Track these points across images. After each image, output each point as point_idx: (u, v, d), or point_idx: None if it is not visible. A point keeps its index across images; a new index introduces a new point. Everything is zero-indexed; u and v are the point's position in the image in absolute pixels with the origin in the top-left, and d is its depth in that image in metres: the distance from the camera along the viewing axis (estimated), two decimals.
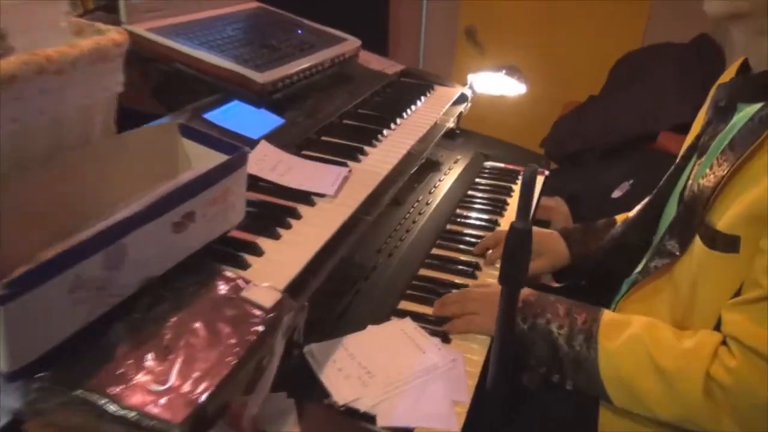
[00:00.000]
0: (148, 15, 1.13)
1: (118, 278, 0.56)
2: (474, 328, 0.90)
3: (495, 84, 1.52)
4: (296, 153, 1.01)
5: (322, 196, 0.90)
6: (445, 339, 0.89)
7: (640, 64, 2.51)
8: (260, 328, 0.64)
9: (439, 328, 0.91)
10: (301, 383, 0.77)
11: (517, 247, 0.67)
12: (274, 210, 0.85)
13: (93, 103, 0.71)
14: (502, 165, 1.51)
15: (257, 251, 0.75)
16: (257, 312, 0.66)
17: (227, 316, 0.64)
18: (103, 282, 0.55)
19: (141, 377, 0.55)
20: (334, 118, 1.18)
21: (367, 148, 1.09)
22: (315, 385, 0.77)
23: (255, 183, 0.91)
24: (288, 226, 0.82)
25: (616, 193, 1.99)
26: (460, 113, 1.48)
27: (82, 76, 0.67)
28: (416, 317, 0.93)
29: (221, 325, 0.63)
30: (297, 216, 0.85)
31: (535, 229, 1.20)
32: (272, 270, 0.73)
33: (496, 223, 1.24)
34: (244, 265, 0.72)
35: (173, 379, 0.56)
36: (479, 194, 1.36)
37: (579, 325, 0.83)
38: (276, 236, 0.79)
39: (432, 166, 1.41)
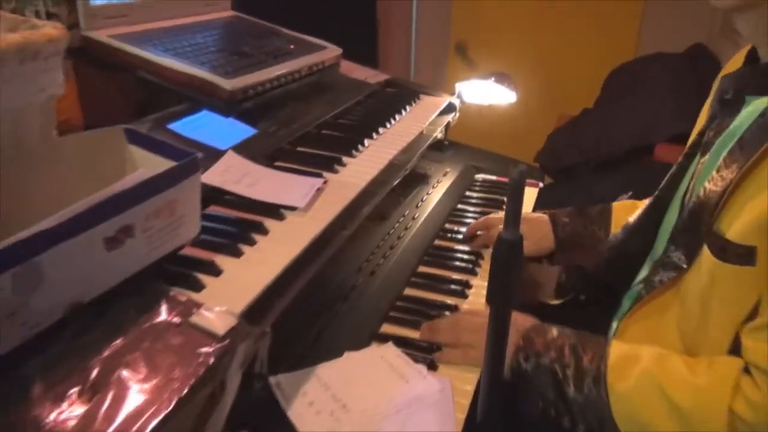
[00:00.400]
0: (111, 21, 1.06)
1: (33, 304, 0.48)
2: (469, 362, 0.81)
3: (484, 92, 1.45)
4: (268, 164, 0.93)
5: (292, 209, 0.82)
6: (432, 365, 0.80)
7: (634, 75, 2.46)
8: (210, 359, 0.55)
9: (427, 355, 0.82)
10: (266, 419, 0.68)
11: (506, 261, 0.59)
12: (236, 225, 0.76)
13: (26, 106, 0.63)
14: (494, 177, 1.43)
15: (214, 270, 0.66)
16: (207, 340, 0.57)
17: (171, 345, 0.55)
18: (12, 309, 0.46)
19: (57, 423, 0.46)
20: (311, 128, 1.10)
21: (345, 159, 1.01)
22: (281, 421, 0.68)
23: (218, 196, 0.83)
24: (252, 243, 0.73)
25: None
26: (448, 123, 1.41)
27: (9, 74, 0.59)
28: (400, 342, 0.84)
29: (163, 357, 0.54)
30: (263, 231, 0.76)
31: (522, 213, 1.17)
32: (230, 291, 0.64)
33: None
34: (197, 287, 0.63)
35: (98, 424, 0.47)
36: (470, 208, 1.28)
37: (586, 365, 0.74)
38: (237, 253, 0.71)
39: (419, 179, 1.33)
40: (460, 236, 1.16)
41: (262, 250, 0.73)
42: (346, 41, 1.36)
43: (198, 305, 0.60)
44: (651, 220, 0.91)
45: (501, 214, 1.15)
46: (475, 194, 1.35)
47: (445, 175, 1.39)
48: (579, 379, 0.73)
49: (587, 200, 2.01)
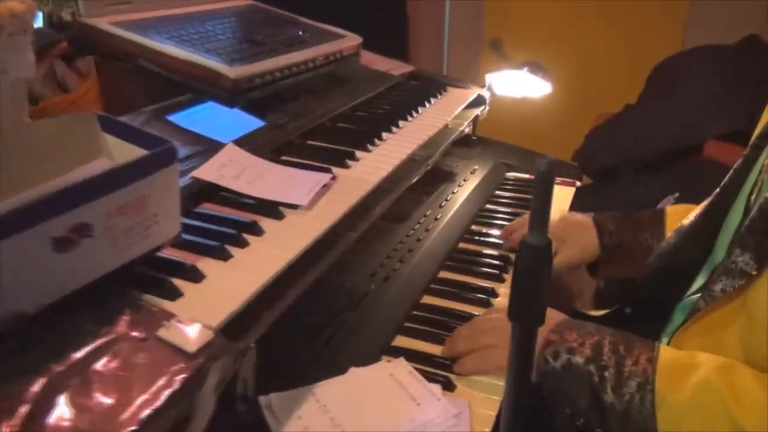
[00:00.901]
0: (114, 8, 1.00)
1: None
2: (490, 365, 0.71)
3: (516, 84, 1.34)
4: (273, 159, 0.85)
5: (293, 207, 0.73)
6: (448, 386, 0.71)
7: (681, 69, 2.30)
8: (175, 382, 0.47)
9: (445, 372, 0.73)
10: None
11: (531, 270, 0.49)
12: (228, 224, 0.68)
13: None
14: (527, 176, 1.32)
15: (195, 276, 0.58)
16: (176, 359, 0.49)
17: (132, 365, 0.47)
18: None
19: None
20: (324, 120, 1.02)
21: (359, 153, 0.92)
22: None
23: (213, 192, 0.75)
24: (243, 244, 0.65)
25: None
26: (477, 117, 1.31)
27: None
28: (414, 356, 0.74)
29: (120, 379, 0.46)
30: (257, 231, 0.68)
31: (563, 214, 1.06)
32: (210, 301, 0.56)
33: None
34: (172, 295, 0.55)
35: None
36: (501, 208, 1.17)
37: (629, 367, 0.63)
38: (225, 257, 0.63)
39: (444, 177, 1.23)
40: (488, 239, 1.05)
41: (253, 253, 0.64)
42: (374, 40, 1.27)
43: (169, 316, 0.52)
44: (710, 222, 0.79)
45: None
46: (506, 194, 1.24)
47: (472, 172, 1.28)
48: (619, 384, 0.63)
49: (629, 202, 1.88)
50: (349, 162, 0.89)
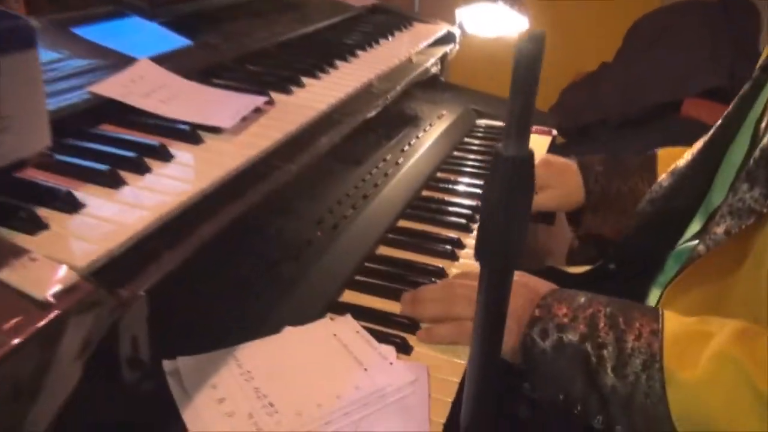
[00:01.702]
0: None
1: None
2: (465, 339, 0.59)
3: (490, 21, 1.21)
4: (200, 82, 0.71)
5: (216, 131, 0.60)
6: (403, 348, 0.59)
7: (661, 26, 2.20)
8: (12, 339, 0.33)
9: (401, 332, 0.61)
10: (150, 423, 0.46)
11: (509, 190, 0.37)
12: (128, 147, 0.54)
13: None
14: (501, 123, 1.20)
15: (68, 205, 0.44)
16: (20, 307, 0.35)
17: None
18: None
19: None
20: (266, 45, 0.87)
21: (306, 80, 0.78)
22: (175, 424, 0.46)
23: (116, 113, 0.60)
24: (143, 170, 0.51)
25: None
26: (445, 56, 1.17)
27: None
28: (364, 314, 0.62)
29: None
30: (164, 156, 0.54)
31: (544, 157, 0.92)
32: (85, 236, 0.42)
33: None
34: (31, 226, 0.41)
35: None
36: (470, 155, 1.05)
37: (631, 343, 0.52)
38: (115, 183, 0.49)
39: (408, 121, 1.10)
40: (455, 186, 0.93)
41: (154, 182, 0.50)
42: None
43: (20, 253, 0.38)
44: (710, 159, 0.68)
45: None
46: (475, 141, 1.12)
47: (440, 117, 1.15)
48: (621, 363, 0.52)
49: None
50: (294, 88, 0.75)
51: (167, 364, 0.49)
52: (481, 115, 1.23)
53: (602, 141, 1.96)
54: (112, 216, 0.45)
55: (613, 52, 2.30)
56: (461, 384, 0.56)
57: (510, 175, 0.36)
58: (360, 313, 0.62)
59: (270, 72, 0.79)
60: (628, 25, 2.31)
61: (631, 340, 0.52)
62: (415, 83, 1.05)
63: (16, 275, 0.37)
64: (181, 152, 0.55)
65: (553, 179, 0.87)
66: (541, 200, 0.86)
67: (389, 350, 0.57)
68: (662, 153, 0.87)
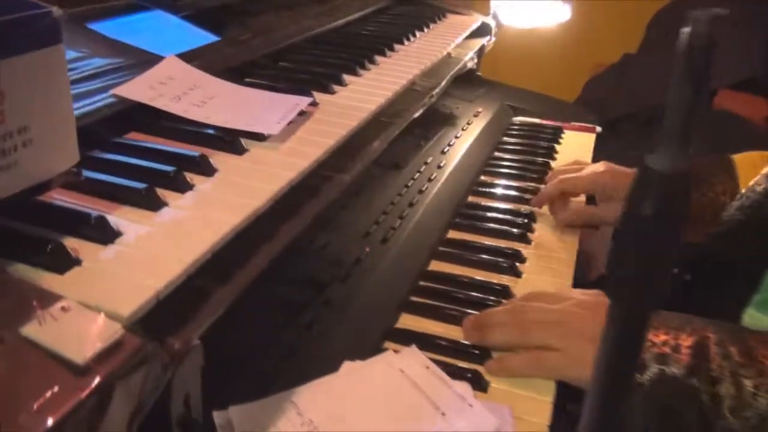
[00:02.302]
0: None
1: None
2: (544, 373, 0.52)
3: (528, 12, 1.13)
4: (235, 81, 0.63)
5: (260, 139, 0.52)
6: (478, 384, 0.51)
7: (688, 13, 2.12)
8: (52, 416, 0.26)
9: (473, 364, 0.53)
10: None
11: (659, 214, 0.29)
12: (164, 159, 0.46)
13: None
14: (537, 120, 1.13)
15: (102, 234, 0.37)
16: (56, 374, 0.28)
17: None
18: None
19: None
20: (297, 39, 0.79)
21: (347, 77, 0.70)
22: None
23: (145, 118, 0.53)
24: (184, 188, 0.44)
25: None
26: (482, 48, 1.10)
27: None
28: (426, 342, 0.55)
29: None
30: (206, 170, 0.46)
31: (607, 164, 0.80)
32: (126, 273, 0.35)
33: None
34: (61, 264, 0.34)
35: None
36: (510, 156, 0.98)
37: (754, 379, 0.45)
38: (155, 205, 0.41)
39: (444, 120, 1.02)
40: (501, 191, 0.86)
41: (200, 201, 0.43)
42: None
43: (51, 300, 0.31)
44: None
45: (571, 167, 0.85)
46: (512, 140, 1.04)
47: (476, 115, 1.08)
48: (741, 405, 0.44)
49: (640, 158, 1.71)
50: (335, 87, 0.67)
51: (218, 416, 0.42)
52: (517, 112, 1.16)
53: (631, 136, 1.88)
54: (154, 246, 0.37)
55: (635, 43, 2.22)
56: (550, 428, 0.48)
57: (663, 196, 0.29)
58: (421, 341, 0.55)
59: (306, 69, 0.71)
60: (650, 14, 2.23)
61: (754, 374, 0.45)
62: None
63: (46, 332, 0.29)
64: (224, 164, 0.48)
65: (619, 191, 0.78)
66: (606, 213, 0.78)
67: (465, 388, 0.49)
68: (738, 158, 0.79)
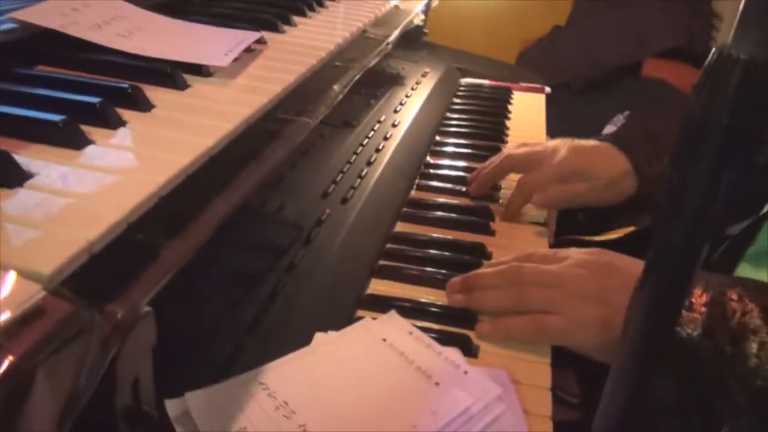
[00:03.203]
0: None
1: None
2: (547, 337, 0.47)
3: None
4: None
5: (203, 74, 0.43)
6: (467, 348, 0.46)
7: None
8: None
9: (454, 328, 0.48)
10: None
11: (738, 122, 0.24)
12: (89, 90, 0.37)
13: None
14: (486, 81, 1.08)
15: (7, 174, 0.28)
16: None
17: None
18: None
19: None
20: None
21: (295, 18, 0.62)
22: None
23: (55, 51, 0.43)
24: (114, 124, 0.35)
25: (609, 128, 1.62)
26: (428, 4, 1.04)
27: None
28: (403, 308, 0.48)
29: None
30: (140, 105, 0.37)
31: (570, 141, 0.69)
32: (45, 224, 0.26)
33: (498, 151, 0.81)
34: None
35: None
36: (464, 116, 0.93)
37: None
38: (76, 142, 0.32)
39: (392, 80, 0.96)
40: (460, 150, 0.81)
41: (135, 140, 0.34)
42: None
43: None
44: None
45: (523, 146, 0.73)
46: (466, 101, 0.99)
47: (424, 76, 1.02)
48: (766, 362, 0.40)
49: (580, 125, 1.72)
50: (284, 26, 0.59)
51: (171, 406, 0.34)
52: (463, 74, 1.11)
53: (566, 106, 1.89)
54: (80, 190, 0.28)
55: (563, 15, 2.24)
56: (552, 391, 0.43)
57: (747, 93, 0.24)
58: (397, 306, 0.49)
59: (249, 8, 0.62)
60: None
61: None
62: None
63: None
64: (162, 100, 0.39)
65: (591, 168, 0.69)
66: (579, 195, 0.66)
67: (456, 354, 0.43)
68: None
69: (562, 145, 0.70)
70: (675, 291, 0.29)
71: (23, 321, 0.21)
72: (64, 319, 0.22)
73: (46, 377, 0.21)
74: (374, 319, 0.46)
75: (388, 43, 0.71)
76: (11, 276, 0.22)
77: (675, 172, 0.26)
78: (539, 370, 0.44)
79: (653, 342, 0.30)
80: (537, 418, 0.40)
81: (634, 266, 0.48)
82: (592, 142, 0.72)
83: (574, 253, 0.50)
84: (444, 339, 0.46)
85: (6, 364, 0.20)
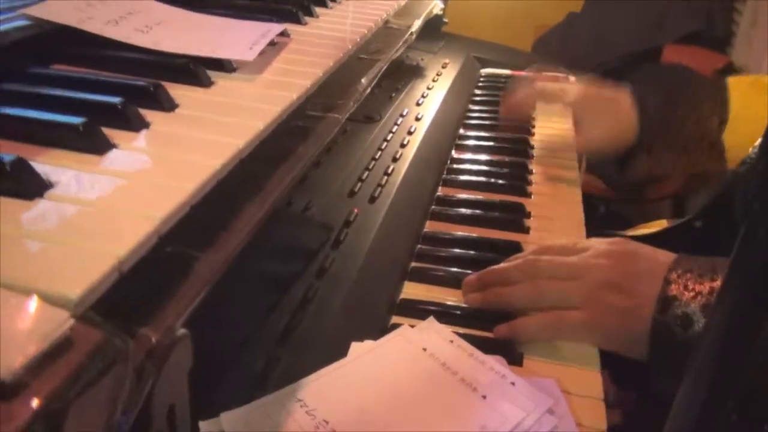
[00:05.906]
0: None
1: None
2: (566, 333, 0.44)
3: None
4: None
5: (227, 69, 0.41)
6: (511, 355, 0.43)
7: None
8: None
9: (491, 334, 0.45)
10: None
11: None
12: (108, 90, 0.34)
13: None
14: (508, 71, 1.05)
15: (19, 186, 0.25)
16: None
17: None
18: None
19: None
20: None
21: (317, 9, 0.59)
22: None
23: (68, 47, 0.40)
24: (137, 126, 0.32)
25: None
26: None
27: None
28: (442, 315, 0.46)
29: None
30: (164, 104, 0.35)
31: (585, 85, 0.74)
32: (68, 240, 0.24)
33: (527, 144, 0.78)
34: None
35: None
36: (487, 107, 0.90)
37: None
38: (99, 146, 0.30)
39: (412, 72, 0.93)
40: (487, 144, 0.78)
41: (160, 142, 0.32)
42: None
43: None
44: None
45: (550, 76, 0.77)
46: (488, 92, 0.96)
47: (444, 67, 0.99)
48: None
49: None
50: (306, 18, 0.56)
51: (206, 427, 0.32)
52: (484, 64, 1.08)
53: None
54: (105, 201, 0.26)
55: (578, 1, 2.20)
56: (605, 400, 0.41)
57: None
58: (433, 312, 0.46)
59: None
60: None
61: None
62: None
63: None
64: (186, 98, 0.36)
65: (600, 112, 0.70)
66: (587, 140, 0.70)
67: (500, 363, 0.41)
68: (733, 81, 0.73)
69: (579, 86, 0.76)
70: (764, 286, 0.26)
71: (50, 355, 0.18)
72: (95, 350, 0.19)
73: (77, 417, 0.18)
74: (411, 326, 0.43)
75: (411, 33, 0.68)
76: (34, 302, 0.20)
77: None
78: (589, 378, 0.42)
79: (738, 340, 0.27)
80: (590, 431, 0.37)
81: (661, 255, 0.45)
82: (609, 88, 0.73)
83: (596, 243, 0.47)
84: (485, 346, 0.43)
85: (34, 404, 0.17)
